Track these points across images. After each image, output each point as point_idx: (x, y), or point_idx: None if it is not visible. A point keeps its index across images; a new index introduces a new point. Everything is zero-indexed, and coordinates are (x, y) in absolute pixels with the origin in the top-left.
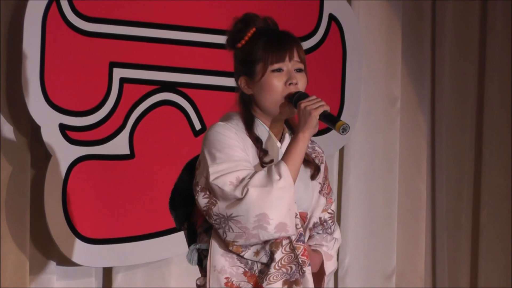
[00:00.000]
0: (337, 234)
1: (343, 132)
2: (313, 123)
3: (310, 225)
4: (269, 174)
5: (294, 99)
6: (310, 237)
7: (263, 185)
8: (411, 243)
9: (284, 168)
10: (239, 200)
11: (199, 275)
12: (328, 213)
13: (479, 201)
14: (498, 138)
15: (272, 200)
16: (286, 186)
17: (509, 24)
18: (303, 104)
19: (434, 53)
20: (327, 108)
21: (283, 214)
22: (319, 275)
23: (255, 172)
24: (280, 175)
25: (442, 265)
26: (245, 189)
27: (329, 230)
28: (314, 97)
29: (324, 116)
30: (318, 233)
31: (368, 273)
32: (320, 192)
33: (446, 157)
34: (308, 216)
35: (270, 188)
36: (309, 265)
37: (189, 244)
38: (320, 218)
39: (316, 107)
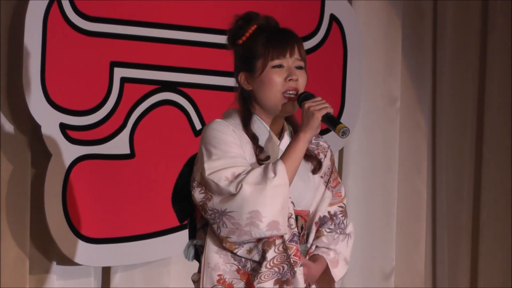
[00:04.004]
0: (349, 229)
1: (342, 135)
2: (315, 124)
3: (316, 219)
4: (264, 171)
5: (300, 98)
6: (318, 237)
7: (258, 182)
8: (411, 243)
9: (280, 166)
10: (233, 195)
11: None
12: (339, 206)
13: (479, 200)
14: (498, 138)
15: (265, 197)
16: (280, 184)
17: (510, 23)
18: (307, 104)
19: (435, 53)
20: (330, 110)
21: (276, 212)
22: (328, 283)
23: (252, 169)
24: (275, 173)
25: (443, 264)
26: (240, 185)
27: (342, 225)
28: (319, 98)
29: (327, 118)
30: (329, 230)
31: (367, 272)
32: (325, 185)
33: (447, 156)
34: (311, 213)
35: (264, 186)
36: (301, 265)
37: (189, 240)
38: (329, 212)
39: (319, 108)
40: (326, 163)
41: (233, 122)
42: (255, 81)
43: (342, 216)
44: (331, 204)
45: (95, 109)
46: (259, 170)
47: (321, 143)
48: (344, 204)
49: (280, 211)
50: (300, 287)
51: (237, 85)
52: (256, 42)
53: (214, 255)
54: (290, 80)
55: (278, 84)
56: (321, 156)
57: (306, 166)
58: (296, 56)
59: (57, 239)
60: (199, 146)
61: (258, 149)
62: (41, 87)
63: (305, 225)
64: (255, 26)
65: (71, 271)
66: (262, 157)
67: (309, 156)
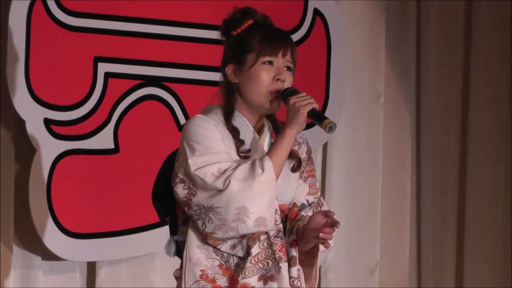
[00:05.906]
0: None
1: (329, 130)
2: (301, 119)
3: (290, 205)
4: (252, 167)
5: (284, 94)
6: (300, 220)
7: (245, 179)
8: (395, 238)
9: (267, 162)
10: (220, 191)
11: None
12: (315, 198)
13: (465, 196)
14: (483, 133)
15: (253, 194)
16: (268, 180)
17: (494, 19)
18: (292, 100)
19: (419, 48)
20: (315, 105)
21: (263, 208)
22: (312, 253)
23: (238, 165)
24: (263, 169)
25: (428, 260)
26: (227, 181)
27: None
28: (304, 94)
29: (312, 114)
30: (309, 216)
31: (351, 267)
32: (299, 175)
33: (431, 152)
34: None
35: (251, 182)
36: (286, 261)
37: (170, 236)
38: (307, 201)
39: (305, 104)
40: (301, 156)
41: (214, 117)
42: (242, 75)
43: (316, 207)
44: (308, 194)
45: (79, 104)
46: (246, 166)
47: (298, 139)
48: (318, 196)
49: (267, 207)
50: (284, 283)
51: (222, 78)
52: (251, 36)
53: (195, 250)
54: (278, 80)
55: (265, 81)
56: (300, 152)
57: (288, 163)
58: (288, 57)
59: (42, 235)
60: (180, 142)
61: (239, 142)
62: (25, 82)
63: (284, 219)
64: (251, 21)
65: (56, 267)
66: (242, 150)
67: (292, 154)
